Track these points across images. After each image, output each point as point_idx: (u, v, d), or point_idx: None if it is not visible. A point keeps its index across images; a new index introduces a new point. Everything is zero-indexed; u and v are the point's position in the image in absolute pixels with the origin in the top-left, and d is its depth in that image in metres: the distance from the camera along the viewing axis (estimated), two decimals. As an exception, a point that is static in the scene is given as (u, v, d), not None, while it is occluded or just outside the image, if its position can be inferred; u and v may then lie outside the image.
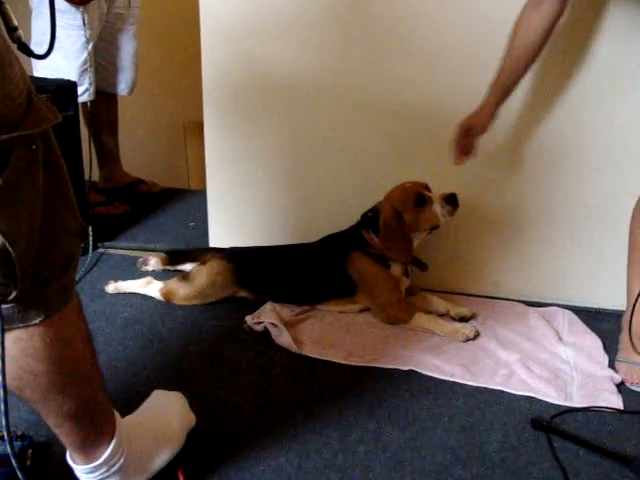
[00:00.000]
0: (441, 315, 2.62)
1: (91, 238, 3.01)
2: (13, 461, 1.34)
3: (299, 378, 2.22)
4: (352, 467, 1.83)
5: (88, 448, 1.52)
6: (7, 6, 1.24)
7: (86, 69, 3.17)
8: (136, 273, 2.85)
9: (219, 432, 1.93)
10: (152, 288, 2.69)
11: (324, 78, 2.73)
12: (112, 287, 2.73)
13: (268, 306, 2.60)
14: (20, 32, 1.28)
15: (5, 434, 1.30)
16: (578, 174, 2.63)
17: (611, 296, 2.66)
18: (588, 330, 2.55)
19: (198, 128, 3.03)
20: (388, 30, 2.61)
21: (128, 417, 1.72)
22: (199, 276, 2.66)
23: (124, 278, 2.77)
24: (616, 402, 2.14)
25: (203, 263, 2.70)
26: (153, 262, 2.92)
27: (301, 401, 2.10)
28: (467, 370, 2.27)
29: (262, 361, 2.31)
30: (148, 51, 3.80)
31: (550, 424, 1.99)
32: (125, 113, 3.79)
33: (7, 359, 1.25)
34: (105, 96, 3.53)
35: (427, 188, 2.56)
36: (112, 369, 2.21)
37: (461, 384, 2.21)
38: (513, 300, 2.78)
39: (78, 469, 1.55)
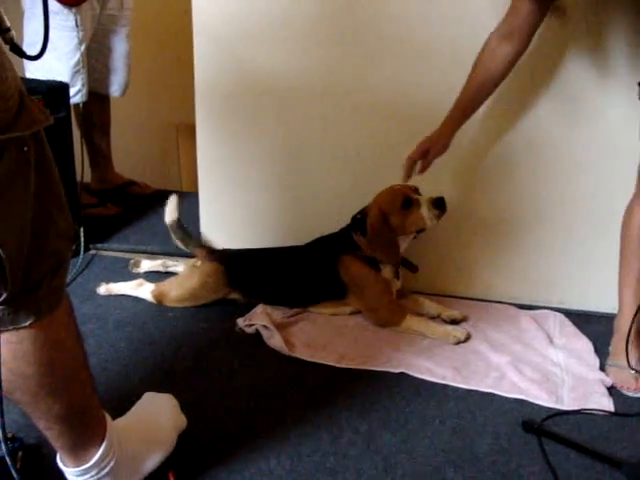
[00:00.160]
0: (432, 318, 2.62)
1: (83, 240, 3.01)
2: (8, 460, 1.34)
3: (290, 380, 2.22)
4: (343, 470, 1.83)
5: (79, 450, 1.52)
6: (0, 7, 1.24)
7: (79, 70, 3.16)
8: (128, 275, 2.85)
9: (210, 434, 1.93)
10: (144, 290, 2.69)
11: (316, 80, 2.73)
12: (103, 289, 2.72)
13: (260, 308, 2.60)
14: (13, 33, 1.28)
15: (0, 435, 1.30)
16: (568, 177, 2.63)
17: (602, 299, 2.66)
18: (579, 333, 2.56)
19: (190, 130, 3.02)
20: (380, 32, 2.61)
21: (119, 419, 1.71)
22: (191, 278, 2.66)
23: (116, 280, 2.77)
24: (607, 405, 2.14)
25: (193, 256, 2.70)
26: (145, 264, 2.92)
27: (292, 404, 2.10)
28: (458, 373, 2.28)
29: (253, 363, 2.31)
30: (141, 52, 3.79)
31: (541, 427, 2.00)
32: (117, 115, 3.78)
33: None
34: (97, 97, 3.52)
35: (417, 191, 2.56)
36: (103, 371, 2.21)
37: (452, 387, 2.21)
38: (504, 303, 2.78)
39: (68, 472, 1.55)
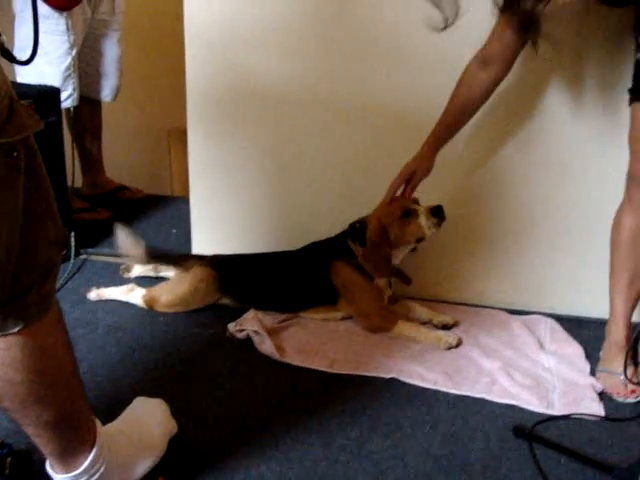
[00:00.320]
0: (423, 323, 2.62)
1: (73, 244, 3.00)
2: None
3: (281, 386, 2.22)
4: (334, 475, 1.82)
5: (68, 457, 1.51)
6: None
7: (70, 75, 3.16)
8: (118, 280, 2.84)
9: (201, 439, 1.93)
10: (134, 295, 2.68)
11: (308, 86, 2.73)
12: (94, 294, 2.72)
13: (251, 313, 2.59)
14: (3, 38, 1.27)
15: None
16: (560, 183, 2.64)
17: (593, 304, 2.66)
18: (570, 338, 2.56)
19: (182, 135, 3.02)
20: (373, 38, 2.62)
21: (109, 425, 1.71)
22: (182, 283, 2.66)
23: (106, 285, 2.76)
24: (597, 410, 2.14)
25: (185, 270, 2.69)
26: (136, 269, 2.91)
27: (283, 409, 2.09)
28: (449, 378, 2.27)
29: (244, 369, 2.30)
30: (132, 57, 3.78)
31: (532, 432, 2.00)
32: (109, 119, 3.77)
33: None
34: (89, 102, 3.52)
35: (416, 202, 2.56)
36: (93, 376, 2.20)
37: (443, 392, 2.21)
38: (496, 308, 2.78)
39: (58, 478, 1.54)
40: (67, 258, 2.96)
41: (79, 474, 1.52)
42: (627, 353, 2.26)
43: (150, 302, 2.65)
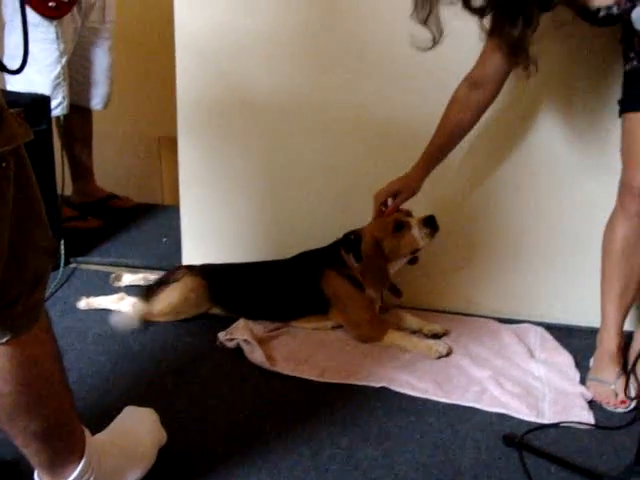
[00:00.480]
0: (414, 332, 2.62)
1: (63, 253, 2.99)
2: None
3: (271, 395, 2.21)
4: (324, 485, 1.83)
5: (57, 468, 1.51)
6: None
7: (59, 83, 3.16)
8: (108, 289, 2.84)
9: (190, 449, 1.92)
10: (125, 304, 2.67)
11: (299, 96, 2.73)
12: (84, 303, 2.71)
13: (241, 322, 2.59)
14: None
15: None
16: (549, 193, 2.64)
17: (583, 313, 2.67)
18: (560, 347, 2.56)
19: (172, 143, 3.02)
20: (363, 48, 2.62)
21: (99, 435, 1.70)
22: (172, 292, 2.65)
23: (96, 294, 2.76)
24: (587, 418, 2.15)
25: (175, 280, 2.69)
26: (126, 278, 2.91)
27: (273, 418, 2.09)
28: (440, 387, 2.28)
29: (234, 378, 2.30)
30: (123, 65, 3.78)
31: (522, 441, 2.00)
32: (99, 127, 3.77)
33: None
34: (79, 110, 3.52)
35: (409, 214, 2.56)
36: (83, 385, 2.19)
37: (434, 401, 2.21)
38: (486, 317, 2.78)
39: (47, 488, 1.53)
40: (57, 267, 2.96)
41: (68, 484, 1.51)
42: (630, 366, 2.29)
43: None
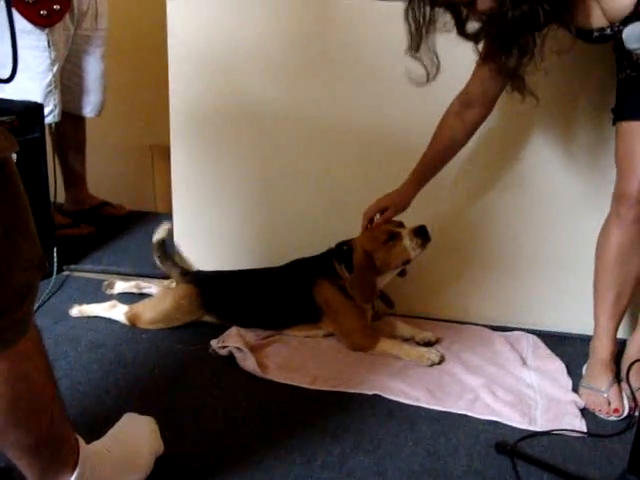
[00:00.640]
0: (406, 340, 2.62)
1: (56, 260, 2.99)
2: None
3: (264, 403, 2.21)
4: (316, 492, 1.82)
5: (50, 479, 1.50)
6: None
7: (51, 91, 3.15)
8: (101, 296, 2.83)
9: (183, 457, 1.92)
10: (117, 312, 2.67)
11: (292, 104, 2.74)
12: (76, 310, 2.70)
13: (233, 330, 2.58)
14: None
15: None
16: (543, 200, 2.65)
17: (575, 321, 2.68)
18: (552, 354, 2.57)
19: (165, 151, 3.02)
20: (355, 58, 2.63)
21: (96, 442, 1.69)
22: (164, 300, 2.65)
23: (89, 301, 2.75)
24: (579, 426, 2.15)
25: (167, 286, 2.69)
26: (118, 285, 2.91)
27: (266, 426, 2.09)
28: (432, 395, 2.28)
29: (227, 386, 2.30)
30: (116, 73, 3.78)
31: (514, 448, 2.00)
32: (92, 135, 3.77)
33: None
34: (72, 118, 3.51)
35: (400, 225, 2.56)
36: (76, 393, 2.19)
37: (426, 409, 2.21)
38: (478, 325, 2.78)
39: (40, 500, 1.52)
40: (49, 274, 2.95)
41: (61, 496, 1.51)
42: (622, 374, 2.30)
43: (133, 319, 2.64)
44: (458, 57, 2.12)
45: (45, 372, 1.45)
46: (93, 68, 3.46)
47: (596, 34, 2.02)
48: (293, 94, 2.73)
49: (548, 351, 2.60)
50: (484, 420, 2.16)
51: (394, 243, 2.50)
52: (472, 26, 2.07)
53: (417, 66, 2.08)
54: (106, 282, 2.93)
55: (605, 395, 2.26)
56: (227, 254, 2.98)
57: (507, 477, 1.91)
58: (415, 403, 2.23)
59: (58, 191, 3.35)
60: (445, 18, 2.01)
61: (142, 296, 2.83)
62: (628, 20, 1.92)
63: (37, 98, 3.05)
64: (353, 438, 2.04)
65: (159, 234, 2.89)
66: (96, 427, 1.80)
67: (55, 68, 3.14)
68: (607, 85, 2.31)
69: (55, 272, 2.99)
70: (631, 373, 2.29)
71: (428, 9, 1.97)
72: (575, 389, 2.35)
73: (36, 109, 2.90)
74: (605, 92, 2.37)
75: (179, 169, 2.94)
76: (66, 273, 3.10)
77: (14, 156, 1.29)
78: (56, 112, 3.22)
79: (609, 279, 2.29)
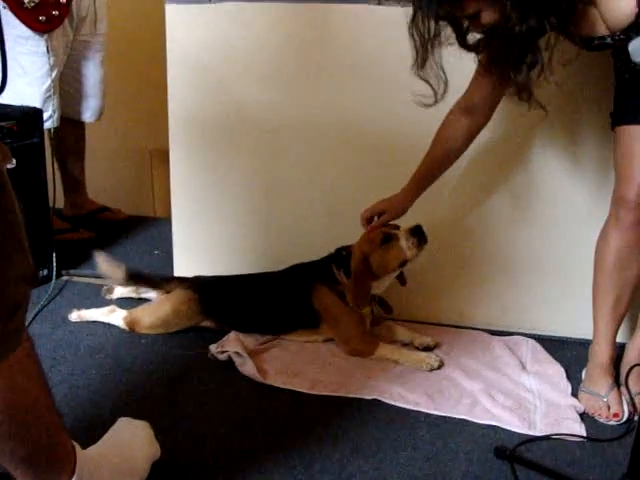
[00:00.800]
0: (405, 345, 2.62)
1: (55, 265, 2.99)
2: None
3: (262, 407, 2.21)
4: (316, 497, 1.82)
5: None
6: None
7: (50, 96, 3.16)
8: (100, 301, 2.83)
9: (182, 462, 1.91)
10: (116, 316, 2.67)
11: (291, 110, 2.74)
12: (75, 315, 2.70)
13: (232, 335, 2.59)
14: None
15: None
16: (541, 205, 2.65)
17: (574, 325, 2.68)
18: (551, 359, 2.57)
19: (164, 156, 3.02)
20: (354, 64, 2.64)
21: (91, 448, 1.69)
22: (163, 305, 2.65)
23: (88, 306, 2.75)
24: (579, 430, 2.15)
25: (166, 292, 2.69)
26: (118, 290, 2.90)
27: (265, 430, 2.08)
28: (431, 399, 2.27)
29: (226, 390, 2.30)
30: (115, 78, 3.79)
31: (513, 453, 1.99)
32: (91, 140, 3.77)
33: None
34: (71, 123, 3.52)
35: (396, 227, 2.56)
36: (74, 398, 2.19)
37: (425, 413, 2.21)
38: (477, 329, 2.78)
39: (37, 508, 1.52)
40: (48, 279, 2.96)
41: (59, 504, 1.50)
42: (622, 378, 2.31)
43: (131, 324, 2.64)
44: (457, 65, 2.13)
45: (39, 381, 1.44)
46: (92, 73, 3.47)
47: (596, 42, 2.03)
48: (292, 100, 2.74)
49: (547, 355, 2.60)
50: (483, 425, 2.16)
51: (390, 244, 2.50)
52: (472, 37, 2.07)
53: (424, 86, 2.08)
54: (105, 287, 2.93)
55: (605, 399, 2.26)
56: (226, 259, 2.98)
57: (506, 482, 1.91)
58: (414, 408, 2.23)
59: (57, 196, 3.35)
60: (447, 31, 2.01)
61: (141, 301, 2.83)
62: (629, 30, 1.92)
63: (36, 103, 3.06)
64: (352, 443, 2.04)
65: (115, 274, 2.76)
66: (95, 432, 1.80)
67: (54, 73, 3.14)
68: (610, 90, 2.31)
69: (54, 277, 2.99)
70: (630, 377, 2.29)
71: (433, 23, 1.96)
72: (574, 393, 2.35)
73: (35, 114, 2.91)
74: (608, 97, 2.37)
75: (178, 174, 2.94)
76: (65, 278, 3.10)
77: (13, 160, 1.28)
78: (55, 117, 3.23)
79: (608, 283, 2.29)
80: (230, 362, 2.44)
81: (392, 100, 2.62)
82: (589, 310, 2.37)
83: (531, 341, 2.69)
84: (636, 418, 2.22)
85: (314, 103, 2.72)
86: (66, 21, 3.16)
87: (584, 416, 2.24)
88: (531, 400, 2.30)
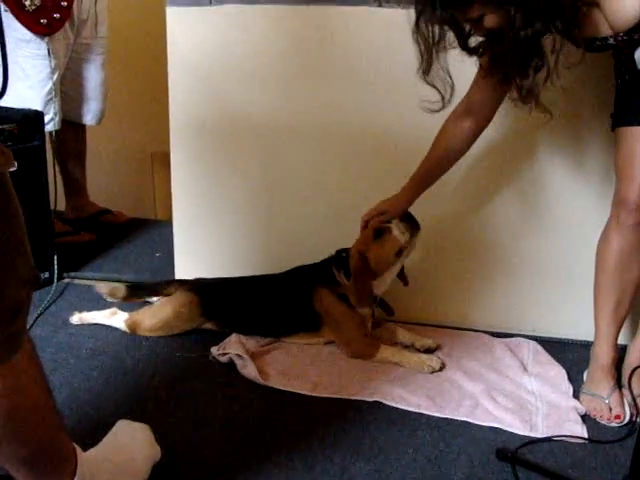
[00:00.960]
0: (406, 347, 2.62)
1: (56, 268, 2.99)
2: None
3: (264, 409, 2.21)
4: (317, 499, 1.82)
5: None
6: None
7: (51, 99, 3.16)
8: (101, 304, 2.83)
9: (183, 464, 1.91)
10: (117, 319, 2.67)
11: (293, 112, 2.74)
12: (77, 318, 2.70)
13: (234, 337, 2.58)
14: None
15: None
16: (542, 208, 2.65)
17: (575, 327, 2.68)
18: (553, 360, 2.56)
19: (166, 158, 3.02)
20: (354, 67, 2.64)
21: (91, 450, 1.69)
22: (165, 308, 2.65)
23: (89, 309, 2.75)
24: (580, 432, 2.15)
25: (166, 296, 2.69)
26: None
27: (266, 432, 2.08)
28: (433, 401, 2.27)
29: (227, 393, 2.29)
30: (116, 80, 3.79)
31: (515, 455, 1.99)
32: (92, 142, 3.78)
33: None
34: (73, 126, 3.53)
35: (388, 222, 2.56)
36: (76, 401, 2.19)
37: (427, 415, 2.20)
38: (479, 331, 2.78)
39: (39, 510, 1.52)
40: (50, 282, 2.96)
41: (60, 506, 1.50)
42: (624, 380, 2.31)
43: (133, 326, 2.64)
44: (461, 68, 2.13)
45: (40, 383, 1.44)
46: (93, 76, 3.48)
47: (598, 43, 2.02)
48: (292, 102, 2.74)
49: (549, 357, 2.59)
50: (485, 427, 2.16)
51: (384, 238, 2.50)
52: (474, 40, 2.07)
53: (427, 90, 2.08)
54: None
55: (606, 401, 2.25)
56: (227, 261, 2.98)
57: (508, 484, 1.91)
58: (416, 410, 2.23)
59: (58, 199, 3.35)
60: (451, 35, 2.00)
61: (143, 303, 2.83)
62: (632, 31, 1.92)
63: (37, 106, 3.06)
64: (353, 444, 2.04)
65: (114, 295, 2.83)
66: (96, 434, 1.80)
67: (55, 76, 3.15)
68: (611, 91, 2.31)
69: (56, 280, 2.99)
70: (633, 379, 2.29)
71: (437, 27, 1.96)
72: (576, 395, 2.35)
73: (36, 117, 2.91)
74: (610, 98, 2.37)
75: (179, 176, 2.94)
76: (66, 280, 3.10)
77: (14, 163, 1.29)
78: (56, 120, 3.23)
79: (609, 285, 2.29)
80: (231, 364, 2.44)
81: (393, 102, 2.63)
82: (590, 312, 2.37)
83: (532, 343, 2.69)
84: (638, 420, 2.22)
85: (314, 105, 2.72)
86: (67, 24, 3.16)
87: (586, 418, 2.23)
88: (533, 402, 2.30)
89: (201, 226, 2.99)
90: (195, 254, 3.04)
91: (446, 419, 2.19)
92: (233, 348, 2.49)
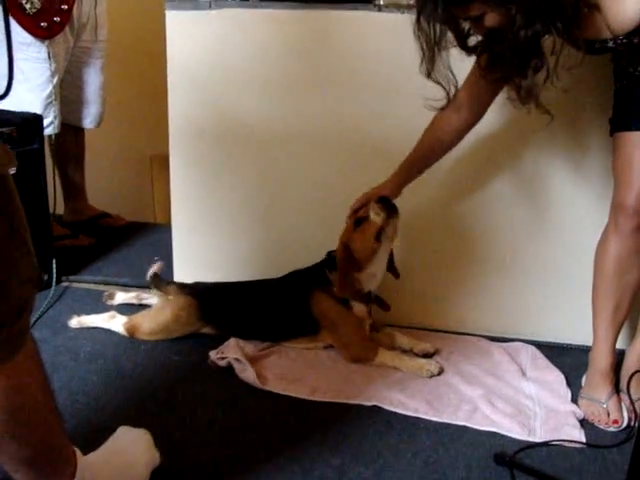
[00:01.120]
0: (405, 351, 2.62)
1: (55, 271, 2.99)
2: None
3: (262, 414, 2.21)
4: (315, 504, 1.82)
5: None
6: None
7: (51, 102, 3.16)
8: (100, 307, 2.83)
9: (182, 468, 1.91)
10: (116, 322, 2.67)
11: (290, 117, 2.75)
12: (75, 321, 2.70)
13: (232, 341, 2.58)
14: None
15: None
16: (540, 211, 2.66)
17: (573, 331, 2.68)
18: (551, 365, 2.57)
19: (164, 162, 3.02)
20: (353, 72, 2.64)
21: (91, 454, 1.69)
22: (163, 311, 2.65)
23: (88, 312, 2.75)
24: (579, 436, 2.15)
25: (165, 294, 2.69)
26: (119, 296, 2.91)
27: (264, 437, 2.08)
28: (431, 406, 2.27)
29: (226, 397, 2.29)
30: (115, 84, 3.79)
31: (513, 459, 1.99)
32: (91, 146, 3.78)
33: None
34: (72, 129, 3.53)
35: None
36: (74, 404, 2.18)
37: (425, 420, 2.20)
38: (477, 335, 2.78)
39: (37, 512, 1.52)
40: (48, 285, 2.95)
41: (59, 508, 1.50)
42: (623, 385, 2.31)
43: (131, 330, 2.64)
44: (462, 67, 2.13)
45: (42, 384, 1.45)
46: (93, 79, 3.48)
47: (597, 45, 2.03)
48: (292, 106, 2.74)
49: (547, 362, 2.60)
50: (483, 431, 2.16)
51: (363, 225, 2.50)
52: (473, 39, 2.07)
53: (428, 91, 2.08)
54: (106, 293, 2.93)
55: (604, 406, 2.26)
56: (226, 265, 2.98)
57: (506, 488, 1.91)
58: (414, 414, 2.23)
59: (57, 202, 3.36)
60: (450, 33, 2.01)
61: (142, 307, 2.83)
62: (631, 35, 1.93)
63: (37, 110, 3.06)
64: (352, 449, 2.04)
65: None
66: (95, 438, 1.80)
67: (55, 80, 3.15)
68: (611, 96, 2.31)
69: (54, 283, 2.99)
70: (631, 384, 2.29)
71: (438, 25, 1.96)
72: (574, 400, 2.35)
73: (35, 120, 2.91)
74: (610, 102, 2.37)
75: (178, 180, 2.94)
76: (65, 284, 3.10)
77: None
78: (56, 123, 3.23)
79: (608, 289, 2.29)
80: (230, 368, 2.44)
81: (393, 107, 2.63)
82: (589, 316, 2.37)
83: (531, 347, 2.69)
84: (636, 425, 2.22)
85: (314, 110, 2.72)
86: (67, 27, 3.17)
87: (584, 422, 2.24)
88: (531, 406, 2.30)
89: (200, 230, 2.99)
90: (194, 258, 3.04)
91: (444, 423, 2.19)
92: (232, 352, 2.49)
